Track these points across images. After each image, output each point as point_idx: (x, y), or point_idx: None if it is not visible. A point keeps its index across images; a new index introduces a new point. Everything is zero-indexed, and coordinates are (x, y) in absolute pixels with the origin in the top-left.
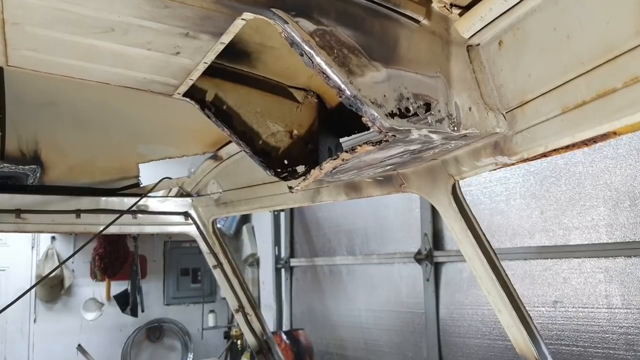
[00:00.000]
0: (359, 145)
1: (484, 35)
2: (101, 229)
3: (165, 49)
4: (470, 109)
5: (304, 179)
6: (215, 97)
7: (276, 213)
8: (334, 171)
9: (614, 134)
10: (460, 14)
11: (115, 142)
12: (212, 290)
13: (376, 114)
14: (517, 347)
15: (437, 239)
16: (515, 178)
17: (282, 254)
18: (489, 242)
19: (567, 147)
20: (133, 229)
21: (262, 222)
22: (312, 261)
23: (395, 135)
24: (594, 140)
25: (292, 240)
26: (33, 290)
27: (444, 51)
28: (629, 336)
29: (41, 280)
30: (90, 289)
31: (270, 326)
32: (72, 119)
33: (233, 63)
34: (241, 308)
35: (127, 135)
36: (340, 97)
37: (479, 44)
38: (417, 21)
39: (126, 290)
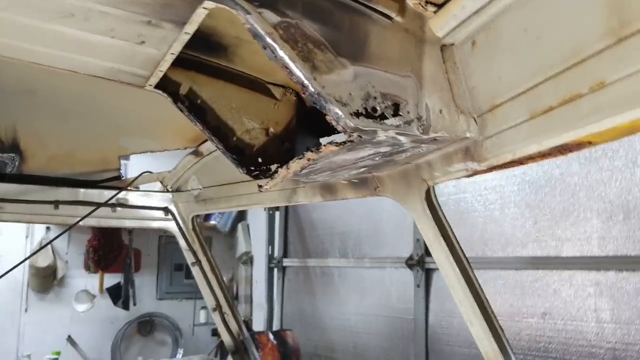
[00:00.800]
0: (324, 146)
1: (458, 34)
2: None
3: (130, 38)
4: (441, 111)
5: (272, 178)
6: (190, 91)
7: (271, 212)
8: (304, 171)
9: (589, 143)
10: (435, 12)
11: (96, 133)
12: None
13: (340, 113)
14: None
15: None
16: (510, 187)
17: (276, 254)
18: (462, 251)
19: (543, 156)
20: (112, 223)
21: (258, 220)
22: (305, 262)
23: (360, 136)
24: (568, 148)
25: (286, 240)
26: (25, 280)
27: (417, 50)
28: (616, 351)
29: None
30: (83, 280)
31: (260, 325)
32: (52, 109)
33: (209, 56)
34: (218, 307)
35: (108, 127)
36: (303, 93)
37: (453, 44)
38: (390, 17)
39: (119, 283)
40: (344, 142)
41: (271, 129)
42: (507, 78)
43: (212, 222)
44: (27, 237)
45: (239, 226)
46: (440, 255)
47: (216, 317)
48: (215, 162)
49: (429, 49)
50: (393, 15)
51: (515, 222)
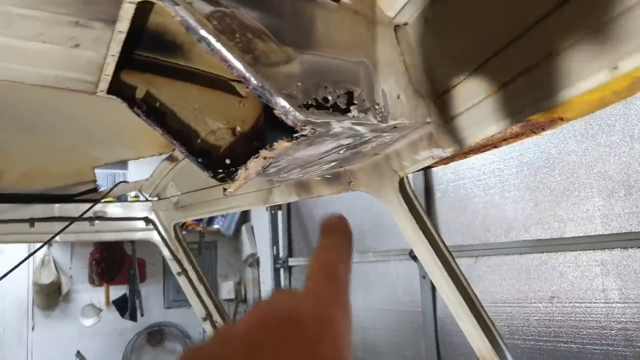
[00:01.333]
0: (275, 142)
1: (409, 12)
2: (56, 237)
3: (62, 41)
4: (398, 96)
5: (234, 181)
6: (147, 94)
7: (273, 212)
8: (272, 170)
9: (560, 119)
10: None
11: (66, 145)
12: (213, 292)
13: (288, 106)
14: (480, 356)
15: None
16: (509, 169)
17: (281, 254)
18: (443, 243)
19: (516, 136)
20: (91, 237)
21: (261, 221)
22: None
23: (314, 129)
24: (539, 126)
25: (290, 239)
26: (30, 298)
27: (369, 33)
28: (628, 331)
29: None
30: (88, 294)
31: None
32: (17, 123)
33: (166, 56)
34: (209, 316)
35: (78, 138)
36: (247, 87)
37: (406, 23)
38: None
39: (125, 294)
40: (297, 137)
41: (238, 128)
42: (461, 55)
43: (216, 226)
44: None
45: (243, 228)
46: (421, 249)
47: (207, 327)
48: (191, 166)
49: (381, 30)
50: None
51: (516, 205)
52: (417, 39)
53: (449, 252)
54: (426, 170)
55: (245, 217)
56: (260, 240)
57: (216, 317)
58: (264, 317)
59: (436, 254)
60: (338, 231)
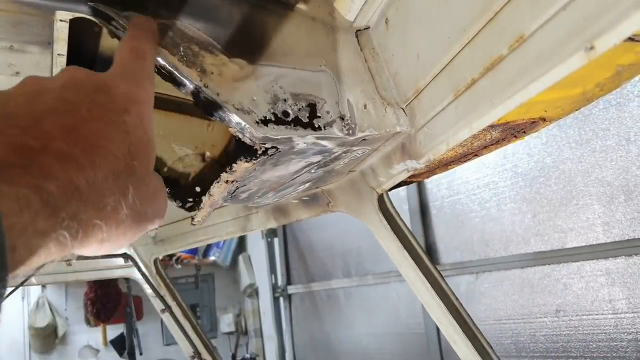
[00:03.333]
0: (234, 163)
1: (369, 14)
2: (32, 280)
3: (0, 70)
4: (365, 106)
5: (200, 209)
6: None
7: (269, 239)
8: (237, 196)
9: (543, 120)
10: None
11: None
12: (213, 325)
13: (243, 123)
14: None
15: (430, 252)
16: (504, 182)
17: (279, 282)
18: (431, 262)
19: (497, 142)
20: (68, 278)
21: (258, 250)
22: (309, 287)
23: (277, 147)
24: (521, 129)
25: (288, 266)
26: (26, 342)
27: (329, 39)
28: (639, 342)
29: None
30: (85, 335)
31: (273, 359)
32: None
33: None
34: (197, 354)
35: None
36: (196, 105)
37: (368, 27)
38: (290, 6)
39: (122, 333)
40: (256, 156)
41: (207, 153)
42: (425, 55)
43: (212, 257)
44: (23, 298)
45: (240, 258)
46: (407, 271)
47: None
48: None
49: (342, 36)
50: (293, 2)
51: (513, 217)
52: (381, 42)
53: (438, 271)
54: (420, 187)
55: (241, 246)
56: (258, 270)
57: (205, 355)
58: (79, 80)
59: (424, 275)
60: (144, 25)
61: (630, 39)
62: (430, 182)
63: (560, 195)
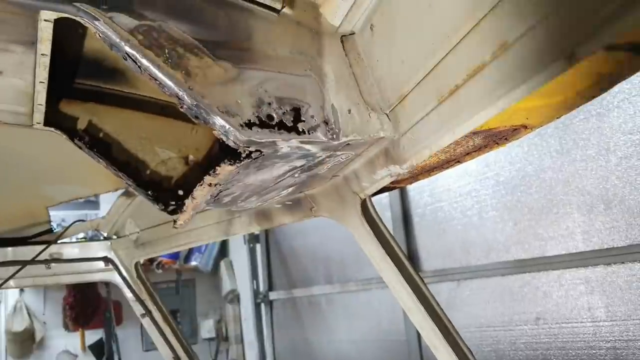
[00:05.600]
0: (218, 166)
1: (354, 20)
2: (11, 282)
3: None
4: (349, 111)
5: (182, 212)
6: (89, 124)
7: (251, 245)
8: (220, 199)
9: (524, 127)
10: None
11: (17, 185)
12: (193, 331)
13: (227, 126)
14: None
15: (412, 259)
16: (485, 190)
17: (261, 288)
18: (413, 267)
19: (479, 149)
20: (48, 281)
21: (240, 255)
22: (291, 293)
23: (260, 151)
24: (502, 136)
25: (270, 272)
26: (2, 347)
27: (314, 44)
28: (617, 350)
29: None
30: (63, 340)
31: None
32: None
33: (109, 84)
34: (177, 359)
35: (28, 176)
36: (181, 107)
37: (353, 33)
38: (276, 10)
39: (101, 339)
40: (240, 159)
41: (191, 157)
42: (410, 61)
43: (193, 262)
44: (0, 302)
45: (222, 264)
46: (388, 275)
47: None
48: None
49: (328, 42)
50: (278, 7)
51: (495, 226)
52: (366, 48)
53: (420, 277)
54: (402, 194)
55: (223, 252)
56: (239, 275)
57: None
58: None
59: (405, 280)
60: None
61: (611, 47)
62: (413, 190)
63: (541, 204)
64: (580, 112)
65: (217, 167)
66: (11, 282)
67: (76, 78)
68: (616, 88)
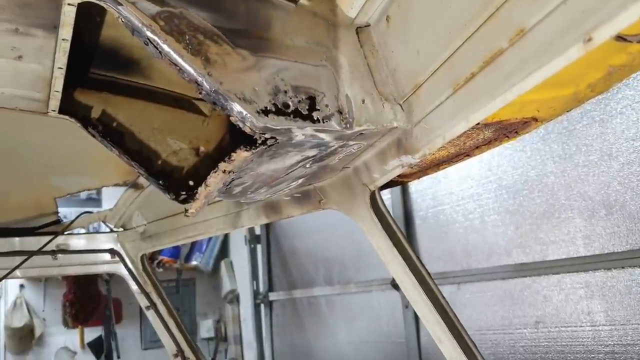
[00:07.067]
0: (234, 152)
1: (370, 12)
2: (17, 272)
3: (3, 53)
4: (363, 101)
5: (195, 200)
6: (103, 114)
7: (252, 245)
8: (230, 189)
9: (535, 120)
10: None
11: (26, 175)
12: (192, 330)
13: (245, 112)
14: None
15: None
16: (487, 194)
17: (261, 289)
18: (420, 261)
19: (489, 142)
20: (54, 272)
21: (241, 256)
22: (291, 294)
23: (275, 138)
24: (513, 129)
25: (270, 273)
26: (2, 343)
27: (330, 35)
28: (616, 355)
29: None
30: (62, 337)
31: None
32: None
33: (123, 74)
34: (180, 352)
35: (37, 167)
36: (200, 93)
37: (368, 25)
38: (294, 1)
39: (100, 336)
40: (255, 145)
41: (202, 148)
42: (425, 50)
43: (194, 262)
44: (0, 297)
45: (222, 264)
46: (396, 269)
47: None
48: (157, 193)
49: (343, 33)
50: None
51: (496, 229)
52: (381, 39)
53: (426, 269)
54: (405, 196)
55: (224, 252)
56: (239, 276)
57: (188, 353)
58: None
59: (412, 272)
60: None
61: (623, 38)
62: (415, 192)
63: (543, 209)
64: (583, 117)
65: (232, 154)
66: (17, 272)
67: (91, 68)
68: (619, 94)
